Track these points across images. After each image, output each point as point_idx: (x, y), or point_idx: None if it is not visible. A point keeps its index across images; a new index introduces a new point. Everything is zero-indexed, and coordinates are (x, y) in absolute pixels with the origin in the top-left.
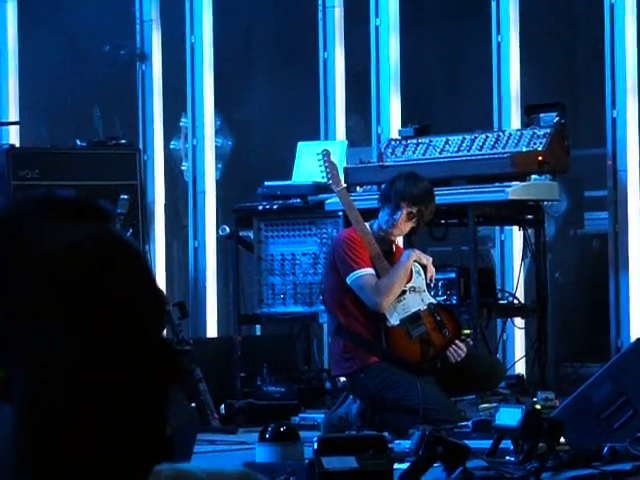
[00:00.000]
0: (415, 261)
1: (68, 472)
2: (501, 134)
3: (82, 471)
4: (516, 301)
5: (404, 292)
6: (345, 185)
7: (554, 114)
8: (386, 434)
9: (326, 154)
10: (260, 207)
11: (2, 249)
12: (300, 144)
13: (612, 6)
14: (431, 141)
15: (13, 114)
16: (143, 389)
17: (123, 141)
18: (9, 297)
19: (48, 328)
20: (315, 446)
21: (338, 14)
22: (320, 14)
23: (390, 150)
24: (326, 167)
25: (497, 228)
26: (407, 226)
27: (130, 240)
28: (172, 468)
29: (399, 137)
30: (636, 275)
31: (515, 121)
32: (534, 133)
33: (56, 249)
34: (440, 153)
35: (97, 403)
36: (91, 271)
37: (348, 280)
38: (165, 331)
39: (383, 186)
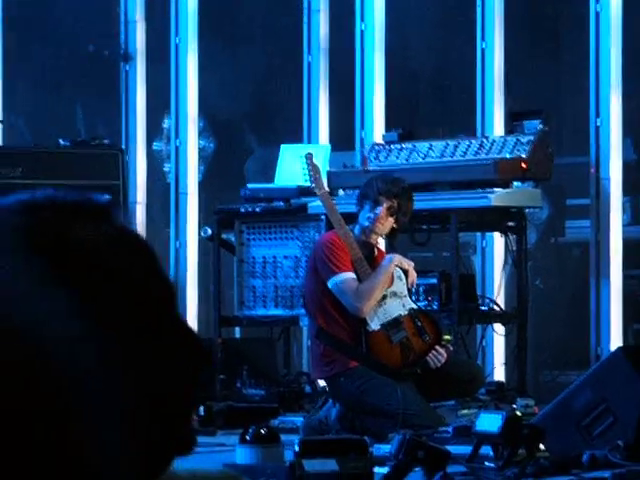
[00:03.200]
0: (397, 266)
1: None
2: (485, 140)
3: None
4: (497, 308)
5: (385, 297)
6: (328, 189)
7: (538, 121)
8: (366, 438)
9: (309, 157)
10: (242, 209)
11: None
12: (283, 147)
13: (597, 15)
14: (415, 146)
15: None
16: (174, 376)
17: (106, 141)
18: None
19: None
20: (296, 448)
21: (323, 18)
22: (305, 18)
23: (373, 155)
24: (309, 170)
25: (479, 234)
26: (388, 222)
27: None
28: None
29: (383, 142)
30: (617, 284)
31: (499, 128)
32: (518, 140)
33: (90, 241)
34: (424, 158)
35: (134, 393)
36: (120, 261)
37: (329, 284)
38: None
39: (359, 189)
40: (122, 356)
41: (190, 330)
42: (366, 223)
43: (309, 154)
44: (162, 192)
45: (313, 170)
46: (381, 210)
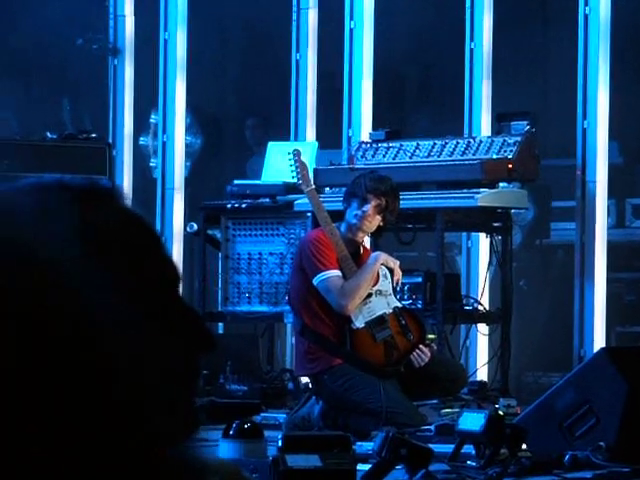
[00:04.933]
0: (382, 264)
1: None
2: (472, 141)
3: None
4: (481, 308)
5: (370, 295)
6: (314, 186)
7: (525, 122)
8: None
9: (297, 154)
10: (229, 205)
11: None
12: (270, 144)
13: (586, 17)
14: (402, 145)
15: None
16: (179, 357)
17: (93, 135)
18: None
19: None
20: (279, 443)
21: (312, 16)
22: (294, 15)
23: (360, 153)
24: (296, 167)
25: (464, 235)
26: (376, 220)
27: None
28: None
29: (370, 140)
30: (601, 286)
31: (486, 128)
32: (505, 141)
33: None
34: (410, 158)
35: (142, 372)
36: (129, 246)
37: (315, 281)
38: None
39: (346, 187)
40: (125, 332)
41: (194, 312)
42: (353, 221)
43: (297, 151)
44: (148, 187)
45: (300, 167)
46: (369, 208)
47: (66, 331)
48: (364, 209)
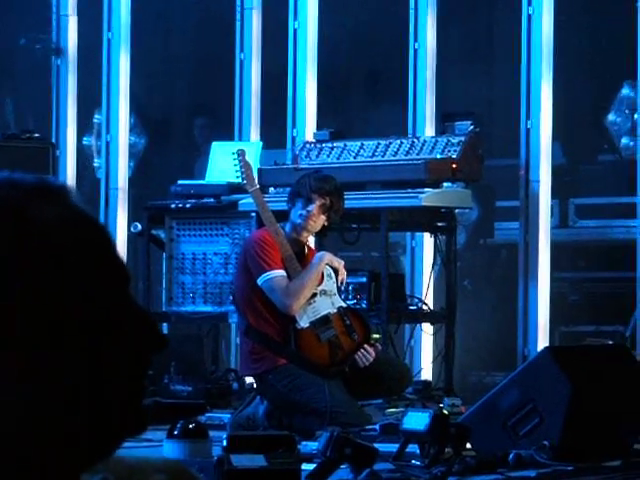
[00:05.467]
0: (327, 264)
1: (52, 436)
2: (416, 140)
3: (65, 438)
4: (425, 307)
5: (315, 295)
6: (259, 186)
7: (469, 122)
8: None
9: (241, 153)
10: (173, 205)
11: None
12: (214, 144)
13: (530, 17)
14: (346, 145)
15: None
16: (129, 357)
17: (36, 135)
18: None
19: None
20: (224, 443)
21: (256, 16)
22: (238, 15)
23: (305, 153)
24: (241, 167)
25: (408, 234)
26: (320, 220)
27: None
28: None
29: (314, 140)
30: (544, 285)
31: (430, 129)
32: (448, 141)
33: (51, 224)
34: (355, 157)
35: (88, 373)
36: (79, 244)
37: (259, 281)
38: None
39: (290, 187)
40: (75, 330)
41: (144, 311)
42: (298, 220)
43: (241, 150)
44: (92, 187)
45: (245, 167)
46: (314, 207)
47: (21, 330)
48: (309, 209)
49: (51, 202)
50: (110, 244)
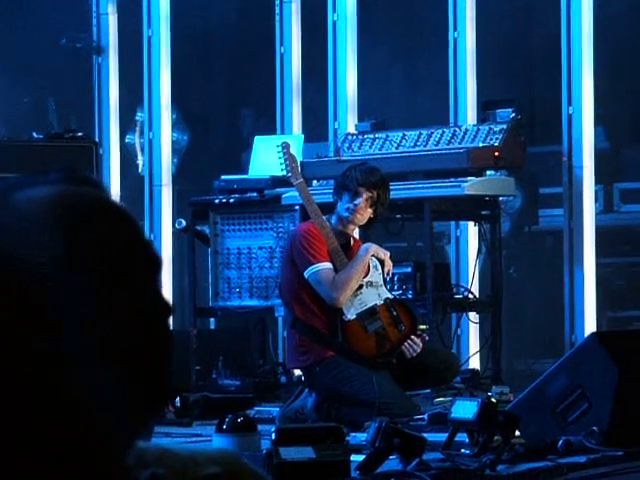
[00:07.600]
0: (373, 255)
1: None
2: (457, 129)
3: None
4: (471, 296)
5: (361, 286)
6: (303, 179)
7: (510, 110)
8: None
9: (286, 146)
10: (217, 201)
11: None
12: (257, 138)
13: (569, 3)
14: (388, 136)
15: None
16: (154, 338)
17: (80, 134)
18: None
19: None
20: (273, 436)
21: (295, 9)
22: (277, 9)
23: (347, 145)
24: (285, 159)
25: (452, 224)
26: (367, 212)
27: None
28: (156, 447)
29: (356, 132)
30: (590, 271)
31: (471, 117)
32: (490, 129)
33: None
34: (397, 148)
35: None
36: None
37: (306, 274)
38: None
39: (336, 179)
40: (98, 311)
41: (163, 300)
42: (345, 214)
43: (285, 143)
44: (135, 185)
45: (289, 159)
46: (361, 201)
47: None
48: (356, 202)
49: (82, 194)
50: (136, 232)
